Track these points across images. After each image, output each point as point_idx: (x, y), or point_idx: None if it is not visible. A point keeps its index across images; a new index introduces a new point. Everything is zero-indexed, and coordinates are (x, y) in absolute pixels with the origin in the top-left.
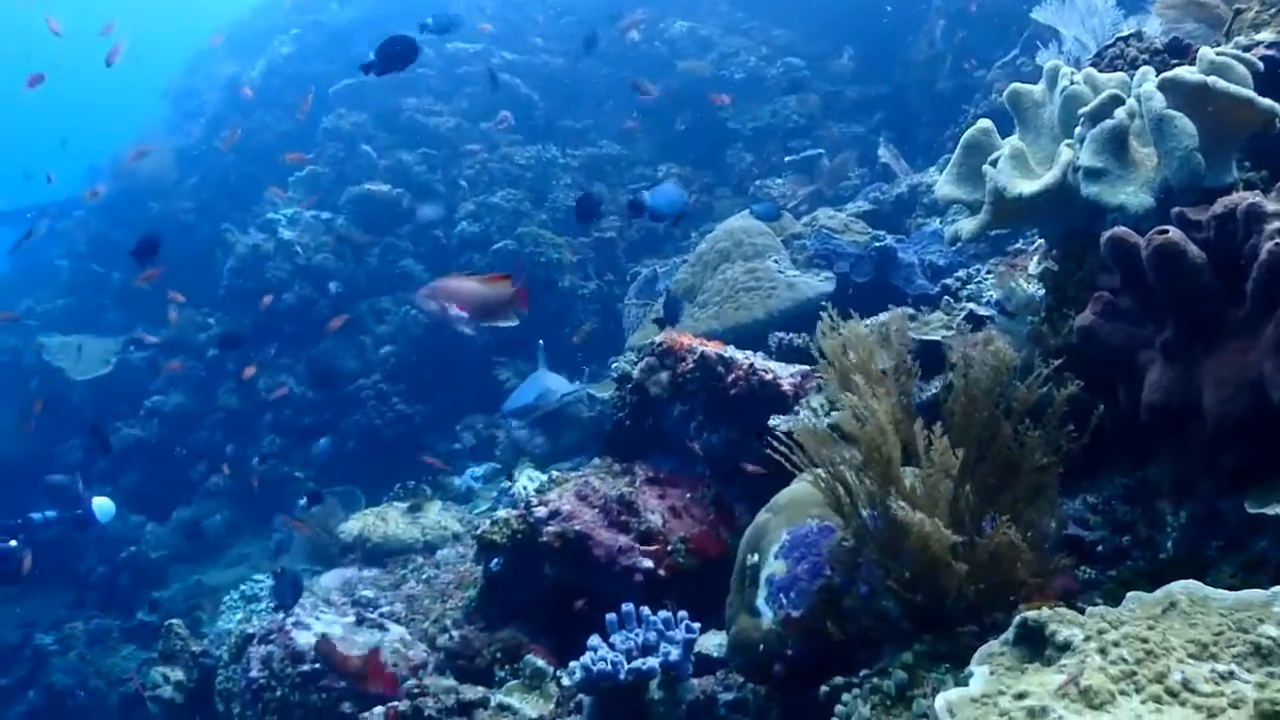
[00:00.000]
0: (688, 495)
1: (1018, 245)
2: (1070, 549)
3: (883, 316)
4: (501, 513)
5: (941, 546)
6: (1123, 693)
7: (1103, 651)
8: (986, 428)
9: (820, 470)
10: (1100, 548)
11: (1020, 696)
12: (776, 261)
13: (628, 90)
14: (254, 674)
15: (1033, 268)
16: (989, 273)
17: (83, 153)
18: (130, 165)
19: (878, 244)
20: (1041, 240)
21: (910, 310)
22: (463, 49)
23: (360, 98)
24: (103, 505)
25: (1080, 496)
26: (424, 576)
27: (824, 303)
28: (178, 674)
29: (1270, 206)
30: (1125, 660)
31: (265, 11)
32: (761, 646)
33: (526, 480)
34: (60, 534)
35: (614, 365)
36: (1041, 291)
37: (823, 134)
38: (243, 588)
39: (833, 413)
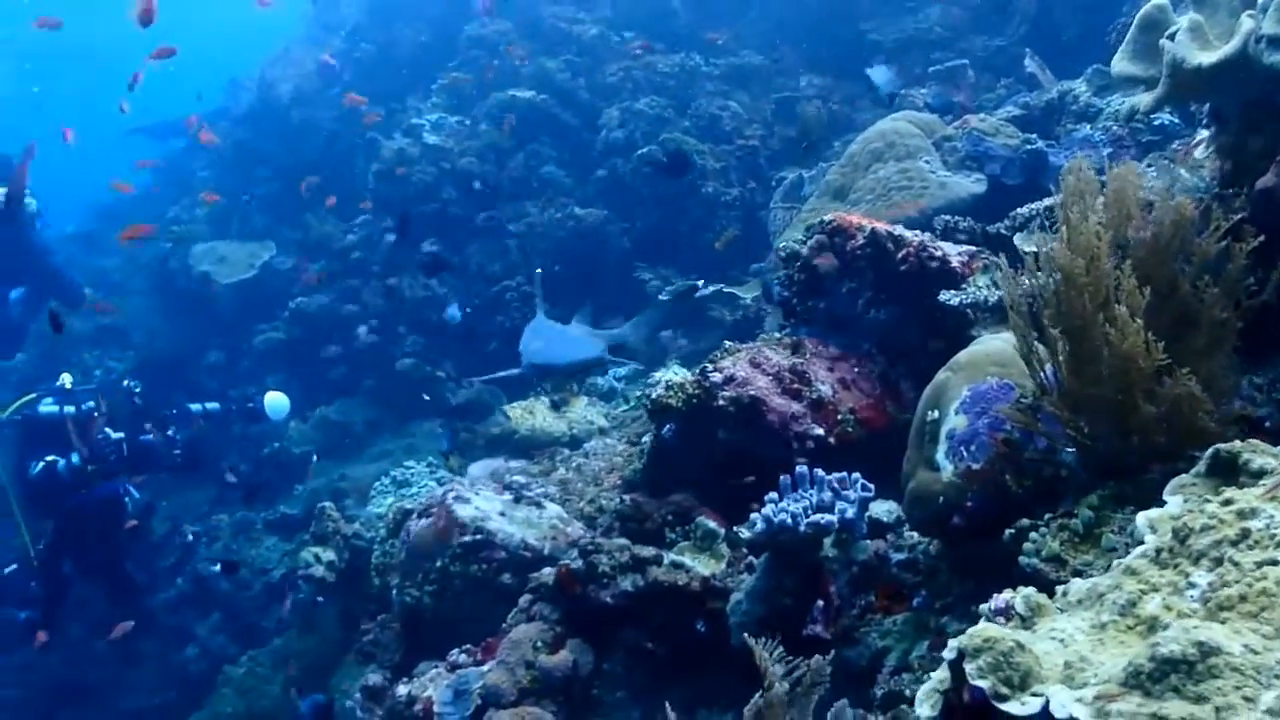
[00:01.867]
0: (855, 370)
1: (1174, 146)
2: (1240, 422)
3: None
4: (677, 377)
5: (1143, 371)
6: None
7: None
8: (1166, 279)
9: (1018, 317)
10: (1268, 424)
11: (1227, 503)
12: (928, 162)
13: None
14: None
15: (1199, 153)
16: (1149, 165)
17: (224, 66)
18: (273, 76)
19: (1029, 147)
20: (1203, 133)
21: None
22: None
23: (502, 6)
24: (276, 401)
25: (1246, 378)
26: (574, 465)
27: (976, 204)
28: (329, 554)
29: None
30: None
31: None
32: (941, 499)
33: (672, 375)
34: (227, 426)
35: (781, 245)
36: (1207, 180)
37: (965, 46)
38: (394, 473)
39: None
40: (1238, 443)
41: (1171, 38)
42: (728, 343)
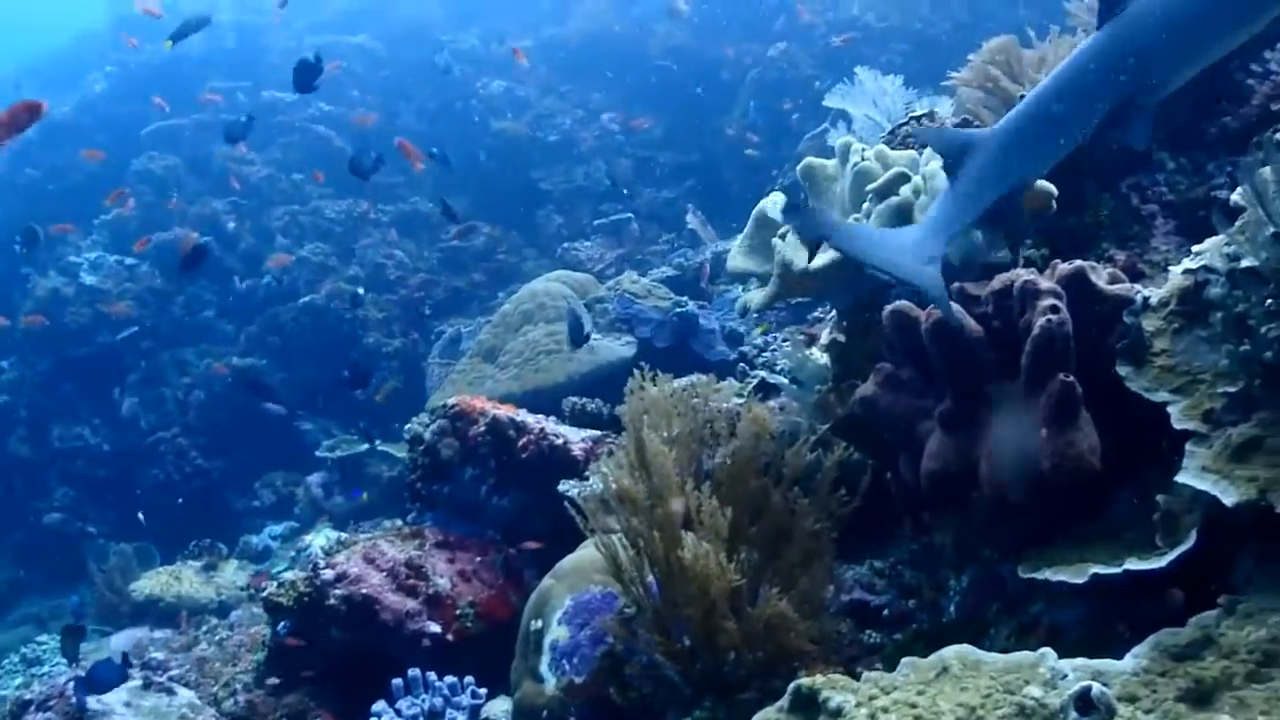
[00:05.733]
0: (478, 559)
1: (816, 314)
2: (856, 614)
3: (684, 381)
4: (288, 575)
5: (722, 589)
6: None
7: (873, 717)
8: (756, 494)
9: (600, 537)
10: (886, 612)
11: None
12: None
13: (441, 145)
14: None
15: (824, 338)
16: (785, 341)
17: None
18: None
19: (680, 310)
20: (834, 312)
21: (710, 377)
22: (279, 98)
23: (173, 141)
24: None
25: (867, 562)
26: (217, 638)
27: (626, 368)
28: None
29: (1044, 284)
30: None
31: (82, 43)
32: (545, 713)
33: (323, 540)
34: None
35: (407, 427)
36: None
37: (634, 198)
38: (24, 650)
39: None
40: (820, 677)
41: (784, 236)
42: (343, 535)
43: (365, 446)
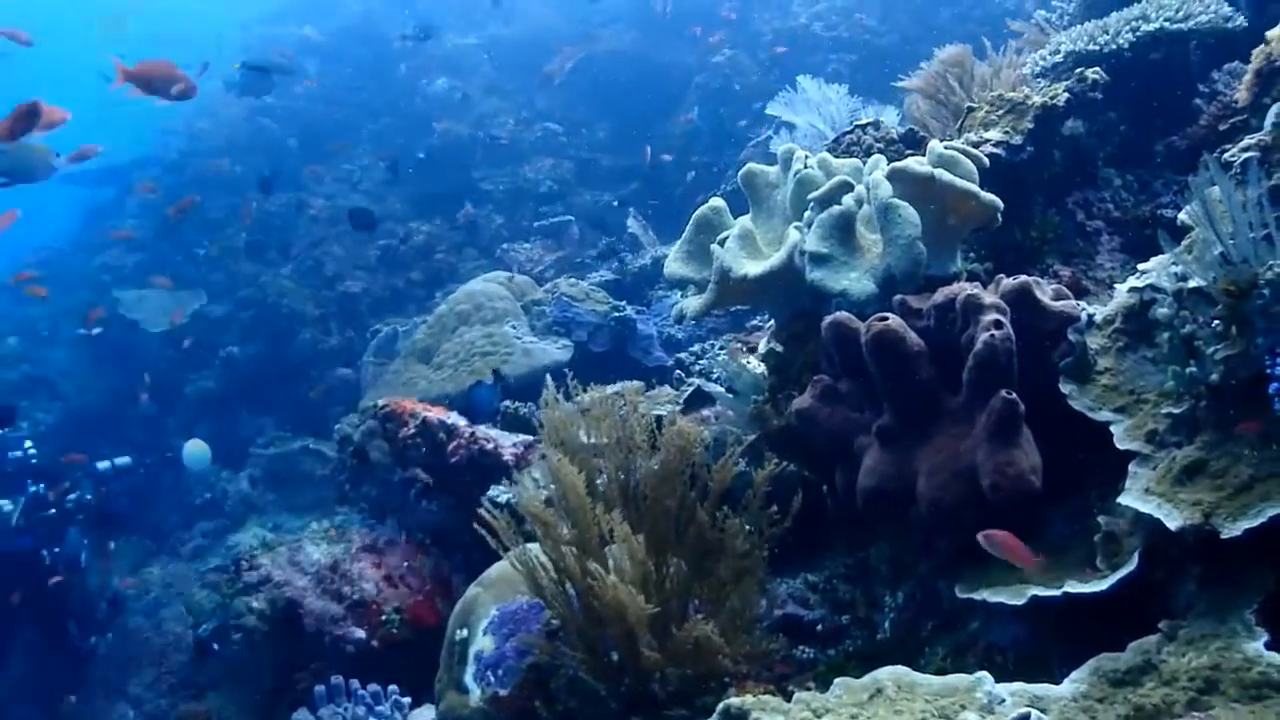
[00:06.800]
0: (405, 564)
1: (755, 322)
2: (789, 628)
3: (614, 388)
4: (211, 576)
5: (639, 618)
6: None
7: None
8: (682, 509)
9: (515, 553)
10: (820, 627)
11: None
12: (514, 327)
13: (386, 143)
14: None
15: (761, 347)
16: (722, 348)
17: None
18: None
19: (617, 314)
20: (773, 320)
21: (639, 384)
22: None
23: None
24: (194, 450)
25: (801, 575)
26: (143, 638)
27: (560, 371)
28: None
29: (987, 299)
30: None
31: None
32: None
33: (252, 538)
34: (144, 480)
35: (336, 428)
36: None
37: (575, 200)
38: None
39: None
40: (749, 698)
41: (723, 243)
42: (270, 535)
43: (299, 444)
